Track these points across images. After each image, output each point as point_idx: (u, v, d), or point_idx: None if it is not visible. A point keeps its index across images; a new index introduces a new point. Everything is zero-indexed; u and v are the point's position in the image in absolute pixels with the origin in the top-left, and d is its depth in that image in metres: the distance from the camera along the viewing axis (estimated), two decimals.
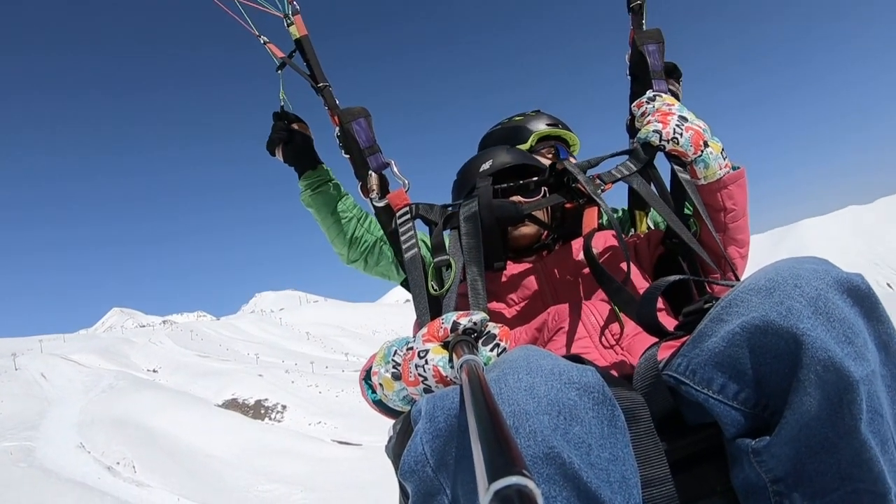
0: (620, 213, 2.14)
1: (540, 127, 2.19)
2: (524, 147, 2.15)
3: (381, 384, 1.18)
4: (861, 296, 0.89)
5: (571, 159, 2.13)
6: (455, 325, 1.08)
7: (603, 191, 1.60)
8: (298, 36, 1.94)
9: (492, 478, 0.41)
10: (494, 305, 1.74)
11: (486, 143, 2.31)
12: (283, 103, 2.04)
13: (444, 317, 1.12)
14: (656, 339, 1.20)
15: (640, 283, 1.65)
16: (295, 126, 2.02)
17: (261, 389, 65.09)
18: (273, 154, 2.07)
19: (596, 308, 1.53)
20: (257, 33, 2.02)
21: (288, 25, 1.95)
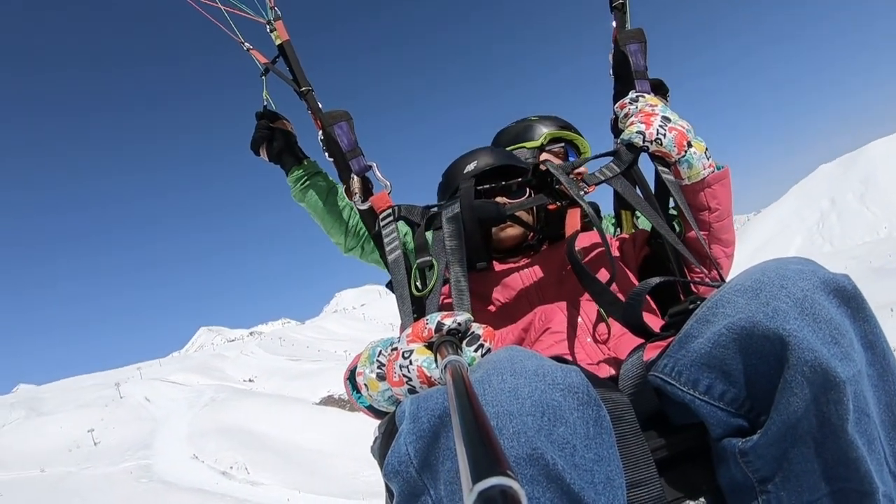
0: (609, 215, 2.13)
1: (553, 128, 2.20)
2: (535, 144, 2.17)
3: (365, 384, 1.17)
4: (847, 296, 0.90)
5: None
6: (439, 325, 1.07)
7: (586, 192, 1.59)
8: (281, 41, 1.95)
9: (476, 478, 0.40)
10: (480, 306, 1.73)
11: (500, 138, 2.31)
12: (266, 103, 2.05)
13: (428, 317, 1.11)
14: (642, 340, 1.20)
15: (626, 283, 1.65)
16: (277, 124, 2.03)
17: None
18: (258, 153, 2.08)
19: (582, 309, 1.54)
20: (241, 40, 2.03)
21: (270, 31, 1.96)
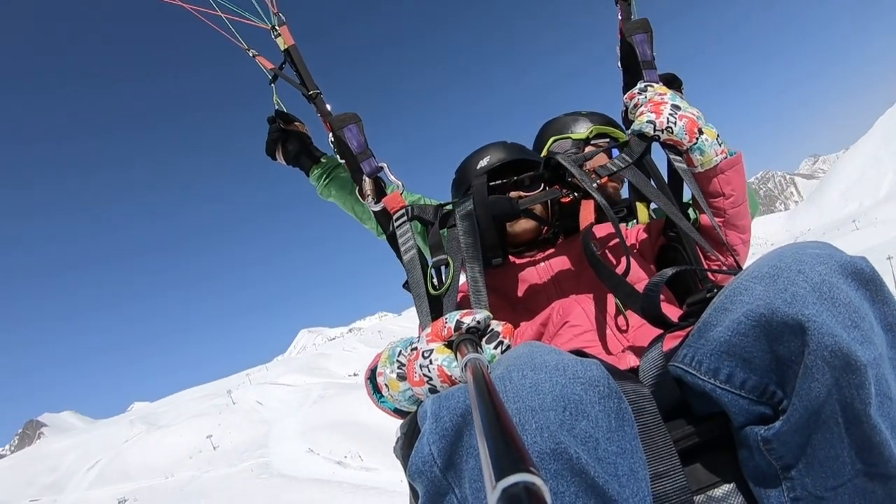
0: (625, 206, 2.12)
1: (600, 123, 2.19)
2: (581, 136, 2.15)
3: (386, 385, 1.16)
4: (865, 279, 0.88)
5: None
6: (459, 324, 1.07)
7: (598, 184, 1.59)
8: (286, 46, 1.95)
9: (499, 476, 0.40)
10: (498, 302, 1.73)
11: (547, 128, 2.29)
12: (277, 107, 2.06)
13: (447, 316, 1.11)
14: (661, 331, 1.20)
15: (642, 274, 1.64)
16: (290, 126, 2.06)
17: None
18: (274, 158, 2.10)
19: (600, 301, 1.54)
20: (246, 47, 2.04)
21: (275, 37, 1.96)
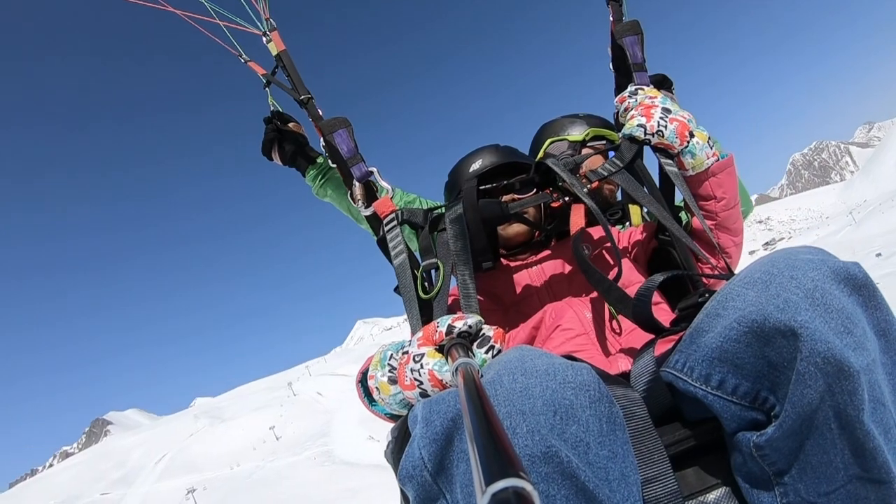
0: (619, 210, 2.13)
1: (597, 126, 2.19)
2: (577, 138, 2.15)
3: (377, 388, 1.16)
4: (858, 284, 0.88)
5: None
6: (450, 328, 1.07)
7: (589, 189, 1.58)
8: (277, 52, 1.96)
9: (488, 480, 0.40)
10: (490, 305, 1.73)
11: (544, 130, 2.29)
12: (272, 108, 2.06)
13: (438, 320, 1.10)
14: (653, 336, 1.20)
15: (634, 277, 1.64)
16: (286, 127, 2.06)
17: None
18: (270, 158, 2.09)
19: (592, 305, 1.53)
20: (239, 51, 2.05)
21: (267, 42, 1.97)
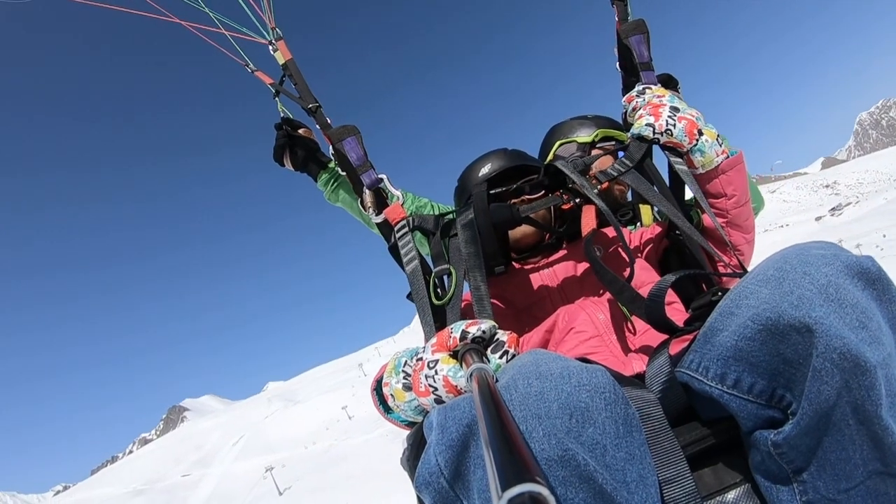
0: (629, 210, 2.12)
1: (606, 127, 2.18)
2: (586, 140, 2.15)
3: (392, 395, 1.17)
4: (872, 278, 0.88)
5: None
6: (464, 334, 1.07)
7: (599, 190, 1.59)
8: (284, 61, 1.96)
9: (504, 486, 0.41)
10: (502, 309, 1.74)
11: (554, 133, 2.29)
12: (283, 115, 2.07)
13: (452, 326, 1.10)
14: (667, 336, 1.19)
15: (647, 277, 1.64)
16: (297, 133, 2.06)
17: None
18: (282, 164, 2.10)
19: (605, 307, 1.53)
20: (246, 61, 2.04)
21: (273, 51, 1.98)
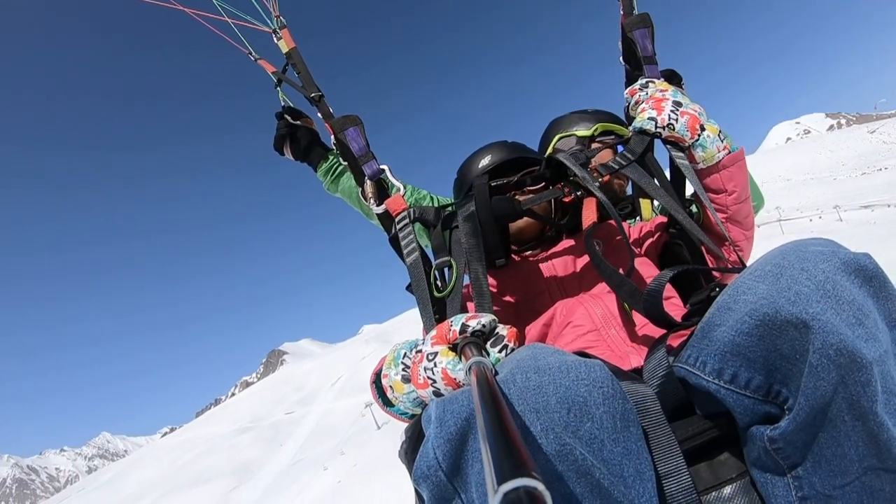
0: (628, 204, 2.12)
1: (606, 121, 2.17)
2: (586, 133, 2.14)
3: (391, 387, 1.17)
4: (869, 275, 0.88)
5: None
6: (464, 327, 1.07)
7: (602, 182, 1.59)
8: (287, 49, 1.96)
9: (501, 480, 0.41)
10: (502, 302, 1.73)
11: (554, 126, 2.28)
12: (284, 104, 2.07)
13: (452, 319, 1.11)
14: (665, 331, 1.19)
15: (646, 272, 1.64)
16: (298, 122, 2.07)
17: None
18: (282, 153, 2.11)
19: (603, 301, 1.52)
20: (249, 50, 2.05)
21: (277, 40, 1.97)
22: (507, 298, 1.74)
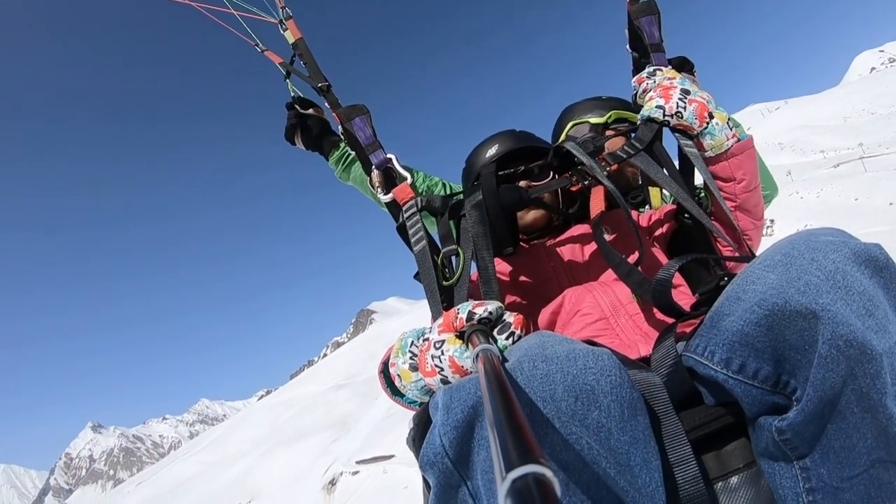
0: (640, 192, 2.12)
1: (620, 108, 2.16)
2: (599, 121, 2.14)
3: (398, 375, 1.17)
4: (879, 266, 0.87)
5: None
6: (471, 314, 1.07)
7: (608, 172, 1.58)
8: (294, 40, 1.96)
9: (508, 467, 0.41)
10: (510, 291, 1.73)
11: (567, 113, 2.27)
12: (293, 94, 2.07)
13: (459, 307, 1.11)
14: (673, 320, 1.19)
15: (655, 260, 1.64)
16: (308, 112, 2.08)
17: None
18: (293, 143, 2.13)
19: (612, 289, 1.52)
20: (256, 41, 2.05)
21: (283, 31, 1.98)
22: (516, 286, 1.74)
